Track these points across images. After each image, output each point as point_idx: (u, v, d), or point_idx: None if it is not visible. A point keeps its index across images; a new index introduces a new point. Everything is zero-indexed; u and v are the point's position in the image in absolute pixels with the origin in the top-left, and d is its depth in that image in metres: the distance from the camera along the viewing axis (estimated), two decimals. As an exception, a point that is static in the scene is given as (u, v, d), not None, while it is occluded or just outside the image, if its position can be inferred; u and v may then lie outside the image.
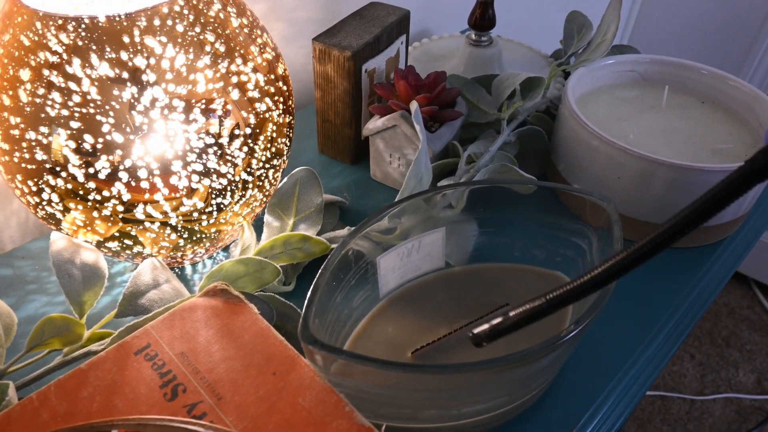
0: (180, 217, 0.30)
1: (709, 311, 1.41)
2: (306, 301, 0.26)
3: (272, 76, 0.33)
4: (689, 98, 0.50)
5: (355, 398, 0.27)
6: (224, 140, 0.30)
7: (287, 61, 0.59)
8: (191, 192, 0.30)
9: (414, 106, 0.41)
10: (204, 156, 0.29)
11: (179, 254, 0.35)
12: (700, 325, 1.38)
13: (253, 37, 0.32)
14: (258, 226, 0.40)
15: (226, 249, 0.41)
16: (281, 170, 0.37)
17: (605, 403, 0.34)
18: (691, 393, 1.24)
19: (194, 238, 0.33)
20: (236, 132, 0.30)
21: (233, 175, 0.31)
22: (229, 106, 0.30)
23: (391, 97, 0.45)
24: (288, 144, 0.37)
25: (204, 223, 0.32)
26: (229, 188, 0.32)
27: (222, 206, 0.32)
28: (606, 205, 0.33)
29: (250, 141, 0.31)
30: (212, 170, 0.30)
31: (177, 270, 0.39)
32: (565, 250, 0.37)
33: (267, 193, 0.36)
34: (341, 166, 0.51)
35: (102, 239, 0.30)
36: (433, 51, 0.65)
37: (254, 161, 0.32)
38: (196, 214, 0.31)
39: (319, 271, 0.28)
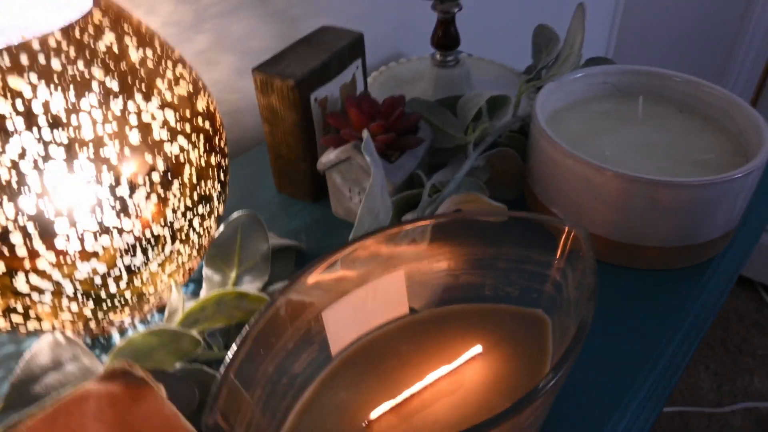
0: (77, 285, 0.26)
1: (720, 318, 1.38)
2: (215, 386, 0.22)
3: (188, 113, 0.29)
4: (666, 108, 0.46)
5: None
6: (123, 190, 0.25)
7: (242, 94, 0.55)
8: (88, 255, 0.25)
9: (365, 134, 0.36)
10: (98, 211, 0.25)
11: (96, 324, 0.30)
12: (712, 333, 1.35)
13: (162, 70, 0.28)
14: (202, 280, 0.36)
15: (163, 310, 0.36)
16: (213, 217, 0.33)
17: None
18: (708, 405, 1.20)
19: (106, 307, 0.29)
20: (139, 180, 0.26)
21: (141, 231, 0.27)
22: (126, 151, 0.25)
23: (344, 127, 0.41)
24: (220, 188, 0.32)
25: (113, 289, 0.28)
26: (139, 246, 0.27)
27: (133, 267, 0.28)
28: (577, 232, 0.29)
29: (159, 188, 0.27)
30: (111, 228, 0.25)
31: (103, 340, 0.34)
32: (541, 285, 0.32)
33: (196, 246, 0.32)
34: (302, 205, 0.47)
35: (-23, 319, 0.25)
36: (400, 75, 0.61)
37: (169, 212, 0.28)
38: (99, 279, 0.27)
39: (235, 342, 0.23)
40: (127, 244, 0.27)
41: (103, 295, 0.28)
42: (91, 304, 0.28)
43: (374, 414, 0.28)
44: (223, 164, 0.33)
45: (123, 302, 0.29)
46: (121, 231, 0.26)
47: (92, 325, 0.30)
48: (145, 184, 0.26)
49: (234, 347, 0.23)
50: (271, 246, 0.36)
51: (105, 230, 0.25)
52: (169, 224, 0.28)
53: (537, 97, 0.43)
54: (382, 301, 0.32)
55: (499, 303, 0.33)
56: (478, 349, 0.31)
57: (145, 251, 0.28)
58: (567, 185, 0.38)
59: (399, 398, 0.29)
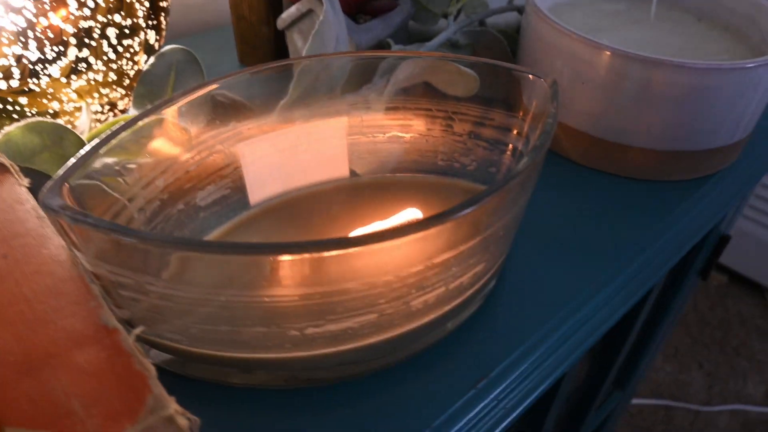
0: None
1: (720, 319, 1.34)
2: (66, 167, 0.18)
3: None
4: (683, 14, 0.41)
5: (148, 309, 0.19)
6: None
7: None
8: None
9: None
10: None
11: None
12: (711, 333, 1.31)
13: None
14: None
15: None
16: (138, 40, 0.29)
17: (529, 355, 0.25)
18: (697, 403, 1.17)
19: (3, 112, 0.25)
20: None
21: (34, 16, 0.23)
22: None
23: (311, -18, 0.36)
24: (149, 7, 0.29)
25: (3, 85, 0.24)
26: (32, 35, 0.24)
27: (26, 62, 0.24)
28: (543, 84, 0.24)
29: (57, -33, 0.23)
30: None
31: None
32: (500, 157, 0.28)
33: (110, 64, 0.28)
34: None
35: None
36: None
37: (74, 9, 0.24)
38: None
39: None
40: (16, 25, 0.23)
41: (-10, 91, 0.24)
42: (-23, 100, 0.24)
43: (281, 259, 0.24)
44: (157, -18, 0.29)
45: (20, 112, 0.26)
46: (7, 7, 0.22)
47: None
48: (38, -44, 0.23)
49: (103, 135, 0.20)
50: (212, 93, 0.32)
51: (-18, -3, 0.22)
52: (71, 18, 0.24)
53: (535, -20, 0.38)
54: (317, 153, 0.28)
55: (453, 177, 0.30)
56: (417, 215, 0.28)
57: (40, 44, 0.24)
58: (551, 67, 0.34)
59: (314, 249, 0.25)
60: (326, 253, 0.16)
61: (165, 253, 0.16)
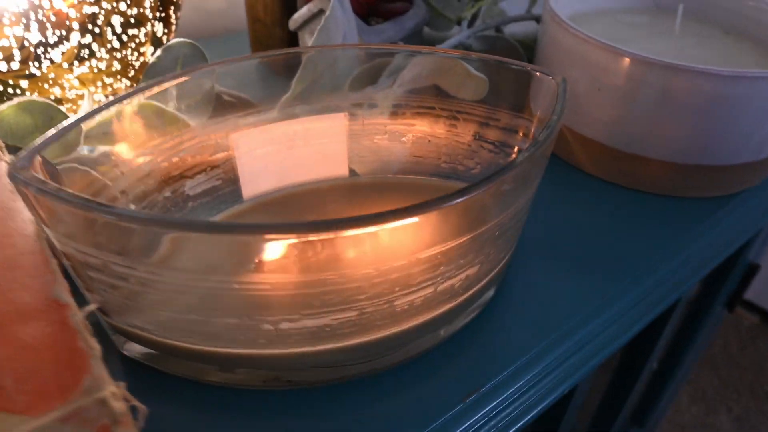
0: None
1: (751, 361, 1.27)
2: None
3: None
4: (710, 28, 0.39)
5: (119, 293, 0.18)
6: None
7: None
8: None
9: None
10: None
11: None
12: (741, 376, 1.24)
13: None
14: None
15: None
16: (144, 31, 0.29)
17: (526, 371, 0.23)
18: None
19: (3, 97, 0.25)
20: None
21: (35, -5, 0.23)
22: None
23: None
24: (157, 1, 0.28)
25: (3, 67, 0.24)
26: (34, 17, 0.24)
27: (27, 44, 0.24)
28: (552, 82, 0.23)
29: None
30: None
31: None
32: (506, 160, 0.27)
33: (114, 52, 0.28)
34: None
35: None
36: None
37: (75, -13, 0.24)
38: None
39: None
40: (18, 6, 0.23)
41: (-10, 72, 0.24)
42: (-24, 81, 0.24)
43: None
44: (166, -27, 0.29)
45: (21, 96, 0.26)
46: (5, -15, 0.22)
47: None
48: (42, -62, 0.23)
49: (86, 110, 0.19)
50: (216, 90, 0.32)
51: (-18, -26, 0.22)
52: (74, 2, 0.24)
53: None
54: (316, 150, 0.28)
55: (456, 180, 0.28)
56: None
57: (42, 26, 0.24)
58: (567, 73, 0.33)
59: (303, 245, 0.24)
60: (297, 237, 0.15)
61: (135, 231, 0.16)
